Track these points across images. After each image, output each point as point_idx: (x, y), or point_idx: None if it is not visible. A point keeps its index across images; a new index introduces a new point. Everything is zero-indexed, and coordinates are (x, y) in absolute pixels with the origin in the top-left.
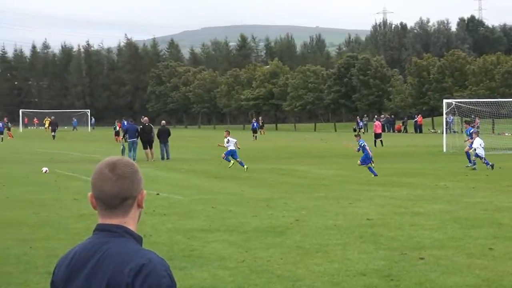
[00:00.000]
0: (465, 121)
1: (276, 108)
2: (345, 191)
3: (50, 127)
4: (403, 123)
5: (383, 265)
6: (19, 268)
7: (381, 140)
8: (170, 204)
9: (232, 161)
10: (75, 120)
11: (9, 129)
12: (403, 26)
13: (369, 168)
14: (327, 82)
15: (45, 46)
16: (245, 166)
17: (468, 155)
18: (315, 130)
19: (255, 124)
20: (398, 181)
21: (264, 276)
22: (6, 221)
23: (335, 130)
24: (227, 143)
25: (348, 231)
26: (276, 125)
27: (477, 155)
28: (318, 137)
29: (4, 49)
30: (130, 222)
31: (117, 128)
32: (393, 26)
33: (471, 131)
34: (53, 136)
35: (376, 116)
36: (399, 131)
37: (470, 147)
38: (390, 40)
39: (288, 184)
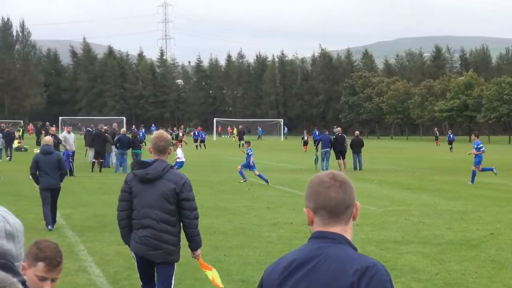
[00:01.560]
0: (474, 133)
1: (469, 120)
2: None
3: (238, 136)
4: None
5: None
6: None
7: None
8: (363, 215)
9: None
10: (260, 129)
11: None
12: None
13: (240, 172)
14: None
15: (240, 56)
16: None
17: (474, 173)
18: (509, 142)
19: (451, 136)
20: None
21: None
22: (201, 228)
23: None
24: (177, 154)
25: None
26: (470, 137)
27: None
28: None
29: (200, 58)
30: (349, 231)
31: (305, 138)
32: None
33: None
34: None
35: None
36: None
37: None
38: None
39: (483, 197)
